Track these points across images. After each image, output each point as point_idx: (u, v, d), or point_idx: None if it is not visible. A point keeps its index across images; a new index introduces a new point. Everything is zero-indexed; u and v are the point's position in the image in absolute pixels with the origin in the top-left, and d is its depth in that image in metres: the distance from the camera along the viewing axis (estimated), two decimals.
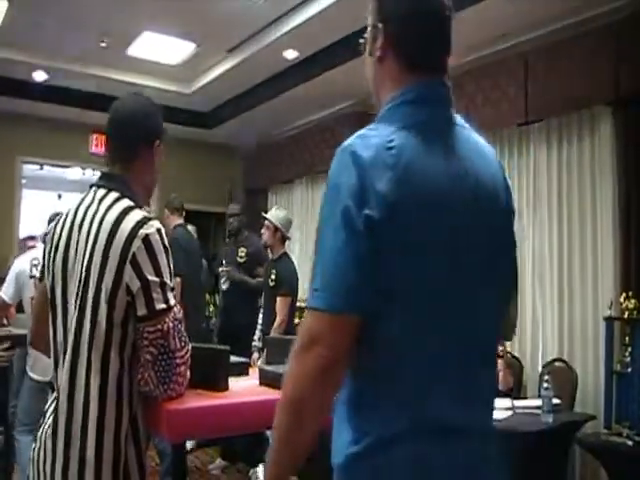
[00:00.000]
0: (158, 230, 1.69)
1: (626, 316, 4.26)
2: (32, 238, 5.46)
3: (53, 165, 8.91)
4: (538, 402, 3.96)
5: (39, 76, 7.00)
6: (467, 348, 1.31)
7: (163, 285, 1.66)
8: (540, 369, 4.95)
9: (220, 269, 5.75)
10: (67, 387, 1.63)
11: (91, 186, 1.84)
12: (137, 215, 1.69)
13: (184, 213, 5.89)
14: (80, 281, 1.67)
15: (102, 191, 1.78)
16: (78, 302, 1.66)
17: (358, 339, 1.23)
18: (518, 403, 4.09)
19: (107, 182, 1.81)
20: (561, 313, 4.95)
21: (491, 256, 1.34)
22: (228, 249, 6.04)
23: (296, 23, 5.54)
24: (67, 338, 1.67)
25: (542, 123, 5.17)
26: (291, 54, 6.13)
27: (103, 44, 6.34)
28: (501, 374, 4.41)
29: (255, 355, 5.35)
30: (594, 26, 4.66)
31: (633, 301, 4.25)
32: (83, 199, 1.81)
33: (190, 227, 6.34)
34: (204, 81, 7.24)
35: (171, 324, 1.64)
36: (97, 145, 8.56)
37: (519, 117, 5.13)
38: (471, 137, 1.38)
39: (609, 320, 4.37)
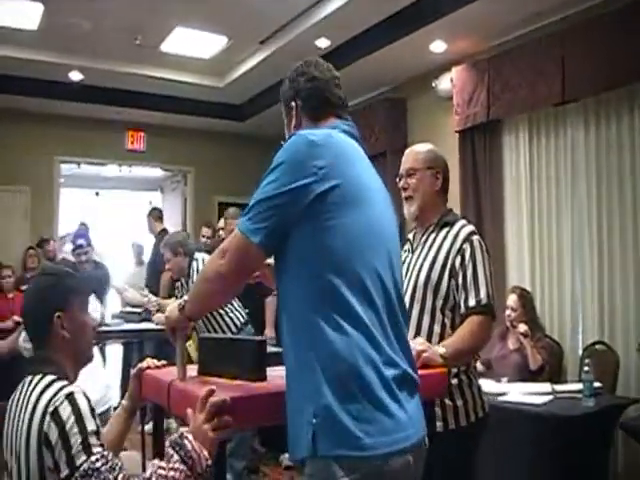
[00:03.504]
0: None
1: None
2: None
3: (90, 163, 9.05)
4: (579, 386, 3.90)
5: (75, 76, 7.12)
6: None
7: None
8: (580, 352, 4.89)
9: None
10: None
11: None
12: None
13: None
14: None
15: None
16: None
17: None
18: (558, 387, 4.05)
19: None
20: (601, 295, 4.87)
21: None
22: None
23: (328, 12, 5.54)
24: None
25: (579, 103, 5.07)
26: (323, 42, 6.12)
27: (136, 42, 6.41)
28: (529, 353, 4.38)
29: None
30: (630, 0, 4.56)
31: None
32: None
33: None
34: (237, 74, 7.28)
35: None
36: (133, 142, 8.69)
37: (555, 97, 5.03)
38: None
39: None
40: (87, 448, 1.66)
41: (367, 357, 1.53)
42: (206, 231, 6.82)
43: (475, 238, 2.49)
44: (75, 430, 1.67)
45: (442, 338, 2.38)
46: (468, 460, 2.44)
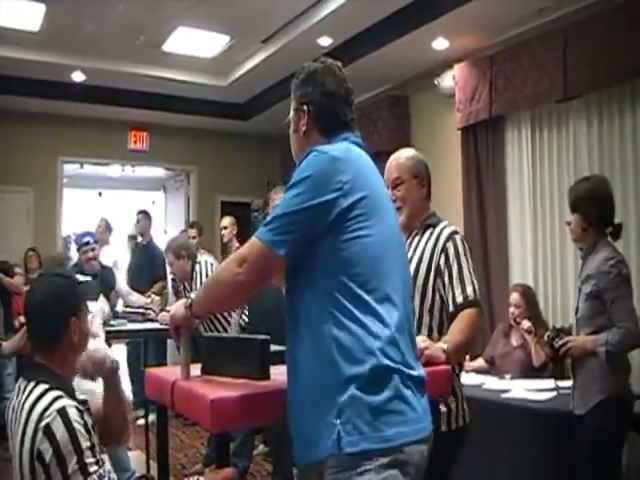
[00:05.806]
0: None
1: None
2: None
3: (93, 163, 9.05)
4: None
5: (77, 77, 7.12)
6: None
7: None
8: None
9: None
10: None
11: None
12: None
13: None
14: None
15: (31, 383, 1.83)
16: None
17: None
18: (562, 384, 4.03)
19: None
20: None
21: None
22: None
23: (330, 10, 5.54)
24: None
25: (581, 99, 5.05)
26: (325, 41, 6.12)
27: (138, 42, 6.41)
28: (533, 349, 4.38)
29: None
30: None
31: None
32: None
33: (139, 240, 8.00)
34: (239, 73, 7.28)
35: None
36: (135, 142, 8.70)
37: (558, 93, 5.02)
38: None
39: None
40: (83, 468, 1.67)
41: (389, 355, 1.59)
42: (191, 232, 6.95)
43: (457, 237, 2.55)
44: (70, 449, 1.67)
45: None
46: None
